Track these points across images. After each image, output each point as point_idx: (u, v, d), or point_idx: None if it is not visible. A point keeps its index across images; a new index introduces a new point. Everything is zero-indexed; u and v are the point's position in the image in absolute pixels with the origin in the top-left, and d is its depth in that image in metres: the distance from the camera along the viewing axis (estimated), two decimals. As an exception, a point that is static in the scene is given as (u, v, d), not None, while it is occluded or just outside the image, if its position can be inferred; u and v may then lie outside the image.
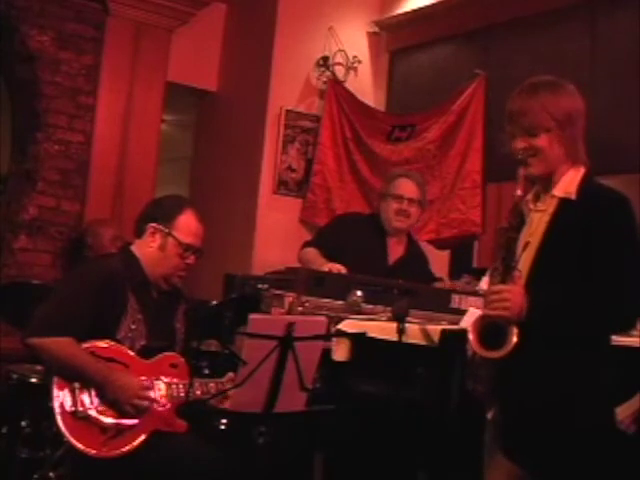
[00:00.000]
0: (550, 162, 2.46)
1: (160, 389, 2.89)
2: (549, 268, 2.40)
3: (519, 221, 2.47)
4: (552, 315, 2.35)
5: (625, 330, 2.49)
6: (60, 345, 2.79)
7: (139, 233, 3.07)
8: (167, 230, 3.01)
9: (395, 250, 4.11)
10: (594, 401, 2.36)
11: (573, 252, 2.36)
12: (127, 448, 2.77)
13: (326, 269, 3.75)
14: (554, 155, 2.46)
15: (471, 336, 2.42)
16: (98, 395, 2.80)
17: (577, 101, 2.48)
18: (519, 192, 2.47)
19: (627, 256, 2.34)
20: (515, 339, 2.32)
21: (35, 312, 2.87)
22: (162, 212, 3.05)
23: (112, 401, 2.79)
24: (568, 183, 2.44)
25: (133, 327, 2.93)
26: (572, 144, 2.45)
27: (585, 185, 2.43)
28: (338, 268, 3.75)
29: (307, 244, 4.15)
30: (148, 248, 3.03)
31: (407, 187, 4.07)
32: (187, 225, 3.03)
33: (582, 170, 2.46)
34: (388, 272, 3.91)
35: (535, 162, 2.47)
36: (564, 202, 2.43)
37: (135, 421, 2.82)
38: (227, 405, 2.81)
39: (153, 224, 3.02)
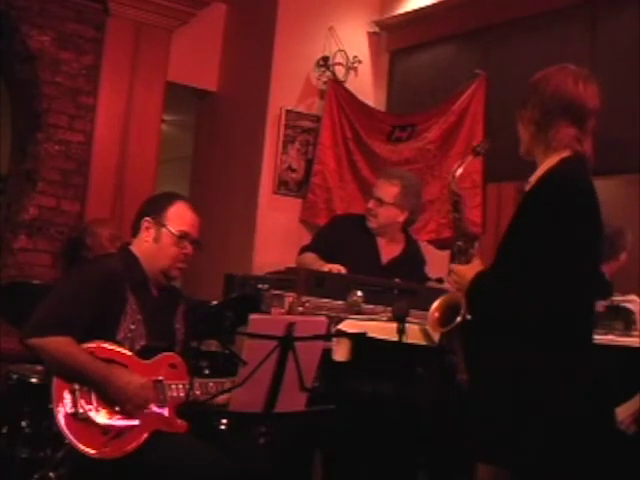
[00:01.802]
0: (525, 144, 2.49)
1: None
2: (503, 253, 2.42)
3: (454, 201, 2.57)
4: (478, 295, 2.40)
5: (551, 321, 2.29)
6: (59, 345, 2.79)
7: (135, 232, 3.10)
8: (159, 221, 3.04)
9: (389, 250, 4.10)
10: (553, 396, 2.29)
11: (519, 239, 2.35)
12: (128, 449, 2.77)
13: (326, 269, 3.76)
14: (525, 137, 2.48)
15: (436, 314, 2.49)
16: (98, 395, 2.80)
17: (559, 89, 2.41)
18: (457, 173, 2.64)
19: (550, 242, 2.27)
20: (460, 317, 2.39)
21: (34, 311, 2.87)
22: (153, 207, 3.10)
23: (112, 400, 2.80)
24: (540, 170, 2.42)
25: (133, 327, 2.93)
26: (548, 130, 2.40)
27: (551, 171, 2.38)
28: (338, 268, 3.76)
29: (305, 249, 4.15)
30: (144, 243, 3.05)
31: (379, 187, 4.10)
32: (178, 214, 3.06)
33: (560, 156, 2.40)
34: (381, 272, 3.90)
35: (521, 144, 2.52)
36: (529, 189, 2.42)
37: (135, 422, 2.83)
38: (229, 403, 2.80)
39: (147, 219, 3.06)
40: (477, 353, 2.43)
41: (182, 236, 3.05)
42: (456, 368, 2.61)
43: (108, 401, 2.80)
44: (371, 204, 4.09)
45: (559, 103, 2.39)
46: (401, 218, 4.06)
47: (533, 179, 2.42)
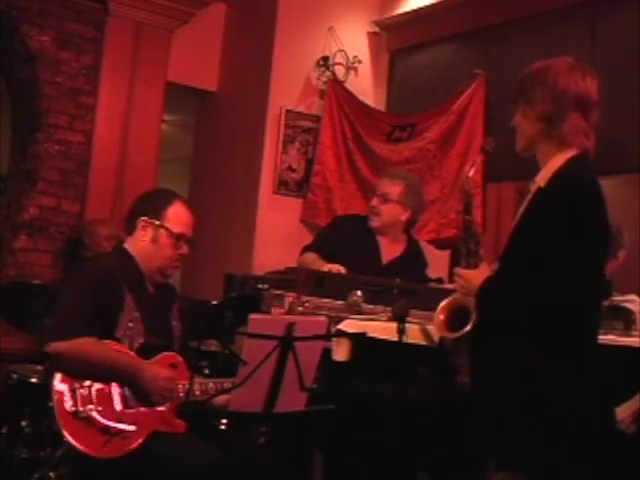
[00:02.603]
0: (528, 139, 2.44)
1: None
2: (512, 255, 2.39)
3: (466, 202, 2.51)
4: (490, 299, 2.35)
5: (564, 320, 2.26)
6: (85, 345, 2.80)
7: (130, 230, 3.09)
8: (158, 222, 3.03)
9: (390, 250, 4.09)
10: (556, 402, 2.26)
11: (529, 241, 2.32)
12: (127, 448, 2.77)
13: (326, 269, 3.76)
14: (530, 132, 2.42)
15: (441, 317, 2.46)
16: (98, 394, 2.79)
17: (570, 81, 2.39)
18: (470, 173, 2.57)
19: (563, 244, 2.24)
20: (472, 323, 2.35)
21: (48, 320, 2.87)
22: (151, 206, 3.08)
23: (143, 393, 2.82)
24: (547, 169, 2.38)
25: (131, 325, 2.93)
26: (561, 124, 2.36)
27: (560, 171, 2.35)
28: (338, 268, 3.76)
29: (306, 249, 4.15)
30: (141, 242, 3.05)
31: (383, 185, 4.10)
32: (177, 215, 3.06)
33: (569, 154, 2.37)
34: (382, 272, 3.90)
35: (517, 139, 2.47)
36: (537, 190, 2.38)
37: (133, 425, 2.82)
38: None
39: (144, 218, 3.05)
40: (482, 355, 2.42)
41: (180, 237, 3.05)
42: (458, 370, 2.59)
43: (139, 392, 2.82)
44: (375, 202, 4.07)
45: (572, 98, 2.37)
46: (404, 217, 4.06)
47: (540, 180, 2.38)
